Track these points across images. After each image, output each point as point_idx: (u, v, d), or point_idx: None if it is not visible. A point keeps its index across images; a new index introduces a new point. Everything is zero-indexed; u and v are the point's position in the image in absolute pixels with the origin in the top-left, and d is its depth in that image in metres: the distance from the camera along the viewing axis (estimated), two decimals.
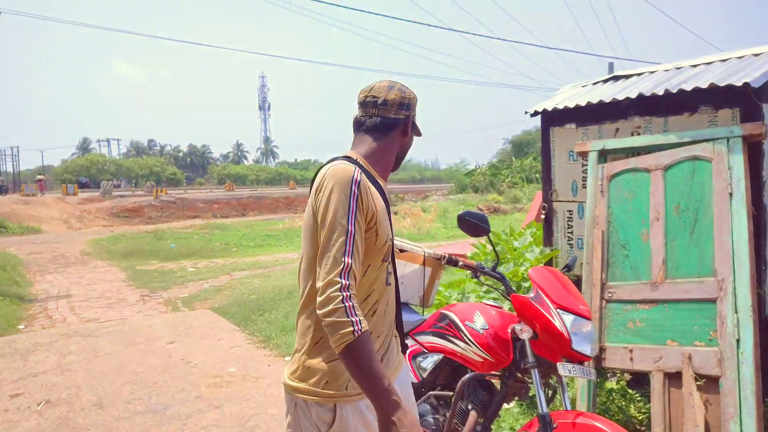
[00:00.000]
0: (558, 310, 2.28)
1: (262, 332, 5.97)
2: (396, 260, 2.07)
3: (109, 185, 37.84)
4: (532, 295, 2.37)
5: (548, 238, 4.10)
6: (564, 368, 2.23)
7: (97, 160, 64.31)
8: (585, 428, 2.08)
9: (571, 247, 3.93)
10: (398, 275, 2.86)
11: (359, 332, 1.41)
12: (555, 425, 2.13)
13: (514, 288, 2.61)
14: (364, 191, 1.55)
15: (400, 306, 1.83)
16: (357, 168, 1.58)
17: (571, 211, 3.93)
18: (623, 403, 3.30)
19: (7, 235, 20.89)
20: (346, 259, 1.47)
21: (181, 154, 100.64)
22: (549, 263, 4.01)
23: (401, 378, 1.82)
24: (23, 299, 8.64)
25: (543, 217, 4.06)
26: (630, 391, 3.33)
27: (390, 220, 1.72)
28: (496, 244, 4.98)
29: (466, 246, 7.69)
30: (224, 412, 4.01)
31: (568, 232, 3.95)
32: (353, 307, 1.44)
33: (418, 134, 1.89)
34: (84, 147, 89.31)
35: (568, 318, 2.27)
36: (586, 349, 2.29)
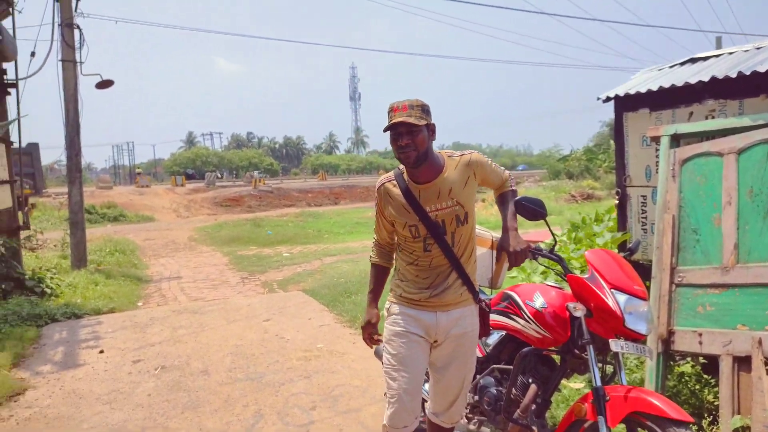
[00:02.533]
0: (612, 290, 2.40)
1: (349, 313, 6.36)
2: None
3: (213, 176, 40.41)
4: (587, 275, 2.51)
5: (622, 223, 4.11)
6: (616, 344, 2.35)
7: (201, 153, 68.69)
8: (637, 401, 2.20)
9: (645, 232, 3.93)
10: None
11: (370, 260, 2.66)
12: (608, 398, 2.27)
13: (570, 269, 2.73)
14: (381, 195, 2.46)
15: (460, 264, 2.41)
16: (385, 179, 2.47)
17: (644, 196, 3.92)
18: (697, 387, 3.31)
19: (126, 223, 23.06)
20: (375, 231, 2.62)
21: (277, 146, 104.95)
22: (623, 246, 4.03)
23: (456, 313, 2.45)
24: (141, 280, 9.67)
25: (617, 202, 4.08)
26: (705, 376, 3.33)
27: (418, 209, 2.34)
28: (578, 229, 5.03)
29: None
30: (312, 382, 4.41)
31: (642, 217, 3.95)
32: (373, 249, 2.65)
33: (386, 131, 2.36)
34: (190, 141, 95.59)
35: (622, 297, 2.39)
36: (641, 327, 2.39)
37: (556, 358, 2.80)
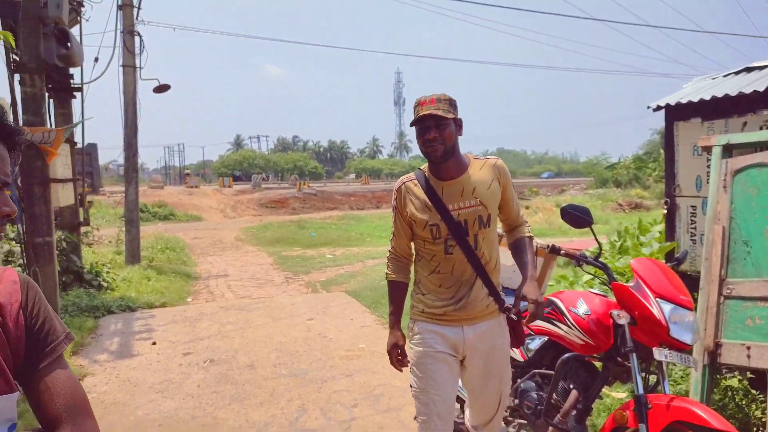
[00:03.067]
0: (657, 299, 2.41)
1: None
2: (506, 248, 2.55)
3: (259, 178, 41.29)
4: (632, 284, 2.52)
5: (671, 234, 4.06)
6: (660, 353, 2.36)
7: (248, 156, 70.23)
8: (679, 410, 2.20)
9: (694, 243, 3.88)
10: (511, 263, 3.13)
11: (387, 277, 2.50)
12: (650, 406, 2.28)
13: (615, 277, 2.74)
14: (401, 196, 2.37)
15: (485, 271, 2.29)
16: (406, 177, 2.41)
17: (694, 206, 3.87)
18: (743, 401, 3.25)
19: (175, 222, 23.85)
20: (391, 240, 2.50)
21: (321, 150, 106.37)
22: (670, 257, 3.98)
23: (483, 326, 2.33)
24: (190, 276, 10.02)
25: (665, 212, 4.04)
26: (753, 390, 3.27)
27: (441, 207, 2.26)
28: (624, 239, 4.98)
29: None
30: (354, 380, 4.51)
31: (691, 228, 3.90)
32: (388, 265, 2.50)
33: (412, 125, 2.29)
34: (237, 143, 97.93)
35: (667, 307, 2.39)
36: (686, 337, 2.40)
37: (598, 364, 2.81)
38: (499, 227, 2.44)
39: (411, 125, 2.26)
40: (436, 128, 2.19)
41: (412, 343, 2.38)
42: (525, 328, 3.04)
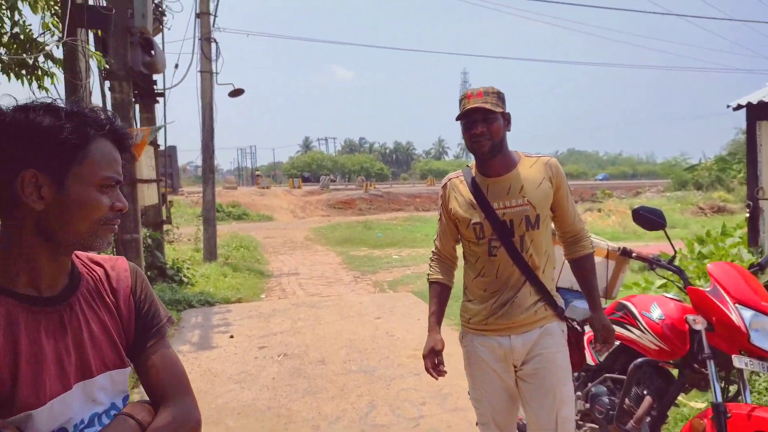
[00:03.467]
0: (736, 304, 2.34)
1: (456, 317, 6.41)
2: None
3: (327, 180, 42.15)
4: (709, 288, 2.46)
5: (753, 238, 3.88)
6: (740, 361, 2.29)
7: (316, 157, 71.81)
8: (762, 420, 2.13)
9: None
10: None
11: (428, 278, 2.41)
12: (729, 415, 2.22)
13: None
14: (446, 193, 2.29)
15: (534, 275, 2.14)
16: (453, 174, 2.33)
17: None
18: None
19: (248, 221, 24.76)
20: (435, 240, 2.39)
21: (387, 151, 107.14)
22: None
23: (533, 335, 2.14)
24: (263, 274, 10.43)
25: (747, 215, 3.86)
26: None
27: (485, 205, 2.14)
28: (704, 244, 4.80)
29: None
30: (421, 379, 4.58)
31: None
32: (431, 265, 2.41)
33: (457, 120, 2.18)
34: (306, 145, 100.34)
35: (747, 313, 2.32)
36: None
37: (674, 371, 2.75)
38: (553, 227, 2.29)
39: (457, 119, 2.16)
40: (484, 122, 2.08)
41: (463, 349, 2.31)
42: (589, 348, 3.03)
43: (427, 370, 2.28)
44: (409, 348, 5.41)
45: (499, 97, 2.12)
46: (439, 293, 2.36)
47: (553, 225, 2.26)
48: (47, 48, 3.87)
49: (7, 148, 0.97)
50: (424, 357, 2.28)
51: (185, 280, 8.69)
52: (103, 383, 1.08)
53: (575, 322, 2.18)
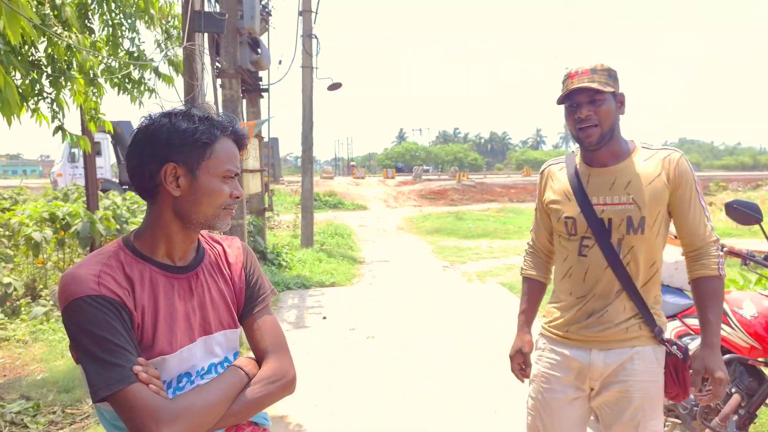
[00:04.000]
0: None
1: (541, 309, 6.43)
2: (671, 246, 2.33)
3: (420, 170, 42.37)
4: None
5: None
6: None
7: (410, 148, 72.24)
8: None
9: None
10: (673, 261, 3.04)
11: (521, 273, 2.19)
12: None
13: None
14: (543, 180, 2.04)
15: (632, 285, 1.81)
16: (553, 160, 2.06)
17: None
18: None
19: (343, 210, 25.54)
20: (531, 231, 2.17)
21: (482, 141, 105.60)
22: None
23: (621, 354, 1.81)
24: (356, 261, 10.82)
25: None
26: None
27: (582, 197, 1.85)
28: None
29: None
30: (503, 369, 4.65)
31: None
32: (525, 259, 2.19)
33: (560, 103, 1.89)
34: (401, 136, 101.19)
35: None
36: None
37: (766, 371, 2.66)
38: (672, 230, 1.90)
39: (558, 103, 1.86)
40: (591, 105, 1.77)
41: (534, 355, 2.04)
42: (685, 327, 2.98)
43: (513, 371, 2.11)
44: (493, 336, 5.48)
45: (610, 74, 1.79)
46: (530, 290, 2.15)
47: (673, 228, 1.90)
48: (162, 57, 4.35)
49: (154, 146, 1.21)
50: (511, 358, 2.10)
51: (284, 264, 9.23)
52: (220, 339, 1.32)
53: (676, 348, 1.81)
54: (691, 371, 1.81)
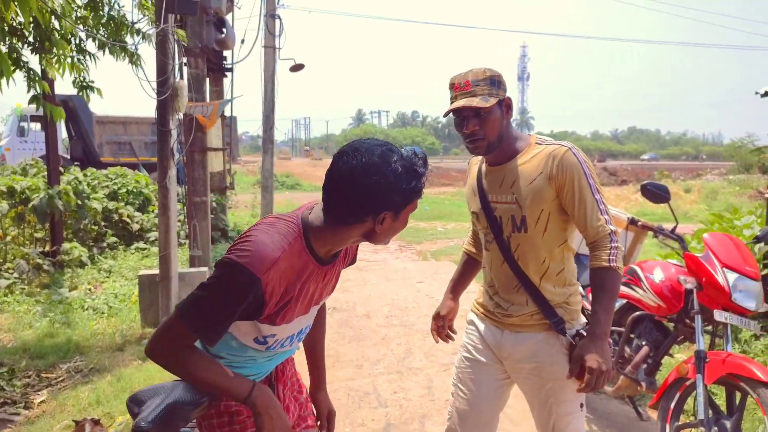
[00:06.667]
0: (723, 268, 2.73)
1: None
2: None
3: None
4: (702, 254, 2.84)
5: None
6: (720, 315, 2.69)
7: (369, 130, 72.37)
8: (733, 364, 2.54)
9: None
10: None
11: (463, 246, 2.38)
12: (707, 360, 2.63)
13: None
14: (468, 170, 2.12)
15: (528, 281, 1.89)
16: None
17: None
18: None
19: (301, 191, 25.69)
20: None
21: (440, 125, 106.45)
22: None
23: (527, 338, 1.90)
24: None
25: (766, 197, 4.13)
26: None
27: (483, 195, 1.95)
28: (713, 224, 5.05)
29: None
30: (457, 335, 5.08)
31: None
32: (468, 235, 2.36)
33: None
34: (359, 118, 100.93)
35: (732, 276, 2.71)
36: (749, 304, 2.70)
37: (670, 326, 3.15)
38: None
39: (444, 116, 1.93)
40: (476, 118, 1.80)
41: (465, 329, 2.16)
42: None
43: (431, 331, 2.29)
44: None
45: (492, 82, 1.80)
46: (465, 263, 2.33)
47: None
48: (142, 30, 4.51)
49: (379, 196, 1.29)
50: (432, 319, 2.29)
51: None
52: (317, 307, 1.56)
53: (578, 338, 1.83)
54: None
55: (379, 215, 1.31)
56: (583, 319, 1.94)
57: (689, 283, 2.81)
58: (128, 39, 4.68)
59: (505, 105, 1.84)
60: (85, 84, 4.45)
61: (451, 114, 1.86)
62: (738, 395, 2.60)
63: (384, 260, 9.00)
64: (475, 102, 1.76)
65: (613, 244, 1.78)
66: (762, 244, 3.93)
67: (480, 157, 2.02)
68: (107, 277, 7.02)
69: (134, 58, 4.68)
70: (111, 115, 16.91)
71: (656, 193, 2.92)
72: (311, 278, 1.40)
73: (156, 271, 5.22)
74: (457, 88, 1.81)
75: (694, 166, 46.36)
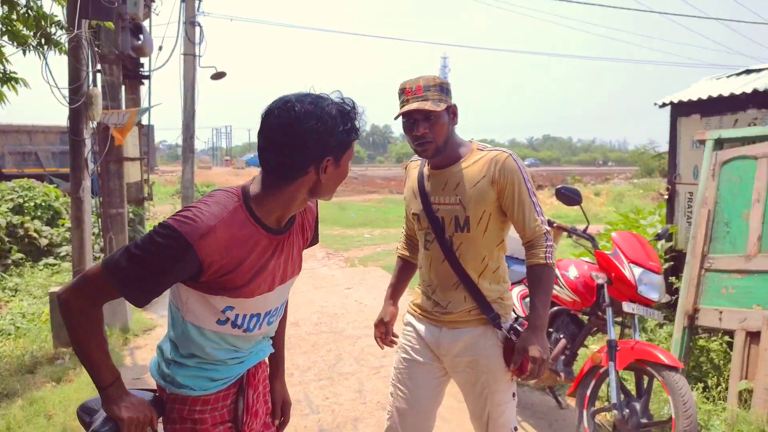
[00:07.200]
0: (630, 264, 2.96)
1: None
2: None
3: None
4: (611, 252, 3.07)
5: (670, 217, 4.53)
6: (628, 306, 2.92)
7: None
8: (640, 351, 2.76)
9: (690, 225, 4.33)
10: (518, 236, 3.67)
11: (397, 254, 2.40)
12: (618, 348, 2.84)
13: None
14: (405, 175, 2.20)
15: (468, 278, 1.97)
16: (413, 158, 2.18)
17: (691, 192, 4.32)
18: (722, 362, 3.72)
19: None
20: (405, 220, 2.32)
21: (364, 134, 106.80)
22: (669, 238, 4.46)
23: (464, 333, 2.00)
24: None
25: (666, 197, 4.50)
26: (730, 352, 3.74)
27: (425, 197, 2.02)
28: (617, 225, 5.45)
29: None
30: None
31: (688, 211, 4.36)
32: (401, 240, 2.39)
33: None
34: None
35: (638, 270, 2.95)
36: (653, 295, 2.95)
37: (585, 319, 3.38)
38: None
39: (395, 119, 1.96)
40: (425, 122, 1.89)
41: (401, 331, 2.22)
42: (527, 289, 3.64)
43: (375, 338, 2.35)
44: (376, 313, 5.95)
45: (442, 88, 1.91)
46: (401, 267, 2.37)
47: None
48: (54, 37, 4.26)
49: (318, 142, 1.28)
50: (375, 326, 2.34)
51: None
52: (287, 286, 1.52)
53: (512, 332, 1.96)
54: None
55: (322, 162, 1.31)
56: (513, 314, 2.07)
57: (600, 278, 3.03)
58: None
59: (452, 111, 1.95)
60: (8, 76, 4.08)
61: (401, 118, 1.95)
62: (645, 379, 2.83)
63: (312, 268, 8.96)
64: (428, 105, 1.86)
65: (548, 243, 1.95)
66: (663, 241, 4.29)
67: (418, 162, 2.12)
68: (13, 296, 6.56)
69: (59, 46, 4.37)
70: (14, 123, 15.78)
71: (569, 197, 3.11)
72: (265, 250, 1.37)
73: None
74: (409, 93, 1.90)
75: (604, 171, 49.26)
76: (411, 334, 2.13)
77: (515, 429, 2.05)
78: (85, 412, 1.32)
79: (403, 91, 1.93)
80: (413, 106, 1.88)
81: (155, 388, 1.49)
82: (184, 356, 1.42)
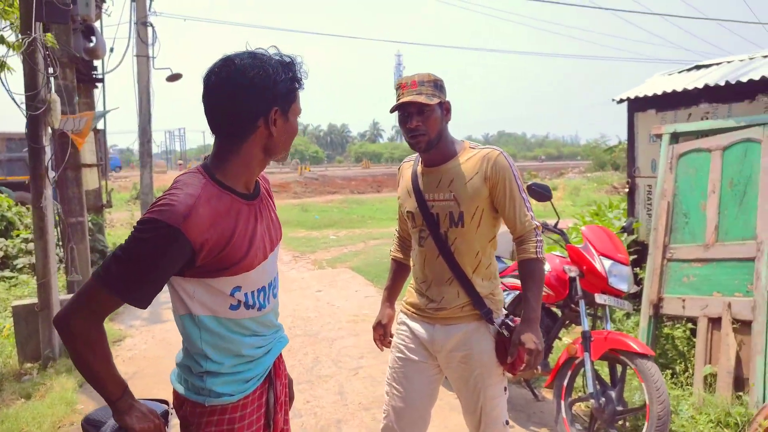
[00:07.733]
0: (600, 256, 3.08)
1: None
2: None
3: None
4: (582, 245, 3.19)
5: (631, 209, 4.71)
6: (600, 298, 3.03)
7: None
8: (613, 340, 2.88)
9: (650, 217, 4.52)
10: (504, 230, 3.77)
11: (390, 254, 2.46)
12: (592, 339, 2.95)
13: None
14: (398, 176, 2.27)
15: (462, 273, 2.02)
16: (408, 158, 2.27)
17: (650, 185, 4.51)
18: (686, 348, 3.91)
19: None
20: (397, 221, 2.42)
21: (322, 134, 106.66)
22: (631, 231, 4.64)
23: (458, 329, 2.04)
24: None
25: (627, 191, 4.68)
26: (693, 338, 3.93)
27: (419, 194, 2.08)
28: (596, 216, 5.64)
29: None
30: (360, 339, 5.19)
31: (648, 204, 4.55)
32: (393, 242, 2.46)
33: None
34: None
35: (608, 262, 3.07)
36: (622, 286, 3.07)
37: (558, 312, 3.49)
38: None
39: (391, 112, 2.05)
40: (419, 115, 1.96)
41: (396, 329, 2.27)
42: (503, 285, 3.73)
43: (374, 340, 2.37)
44: (348, 314, 6.01)
45: (436, 85, 1.98)
46: (396, 269, 2.41)
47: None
48: (6, 40, 4.11)
49: (262, 91, 1.30)
50: (373, 329, 2.36)
51: None
52: (276, 253, 1.53)
53: (505, 328, 2.02)
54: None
55: (269, 113, 1.33)
56: (504, 310, 2.14)
57: (573, 271, 3.14)
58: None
59: (445, 108, 2.03)
60: None
61: (396, 112, 2.03)
62: (619, 368, 2.95)
63: (280, 271, 8.80)
64: (421, 99, 1.93)
65: (538, 238, 2.05)
66: (626, 234, 4.46)
67: (411, 161, 2.20)
68: None
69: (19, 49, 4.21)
70: None
71: (540, 193, 3.21)
72: (248, 217, 1.39)
73: (32, 301, 4.79)
74: (404, 87, 1.98)
75: (558, 166, 50.47)
76: (405, 333, 2.17)
77: (507, 422, 2.12)
78: (90, 425, 1.31)
79: (399, 87, 2.01)
80: (408, 98, 1.95)
81: (165, 399, 1.50)
82: (217, 362, 1.40)
